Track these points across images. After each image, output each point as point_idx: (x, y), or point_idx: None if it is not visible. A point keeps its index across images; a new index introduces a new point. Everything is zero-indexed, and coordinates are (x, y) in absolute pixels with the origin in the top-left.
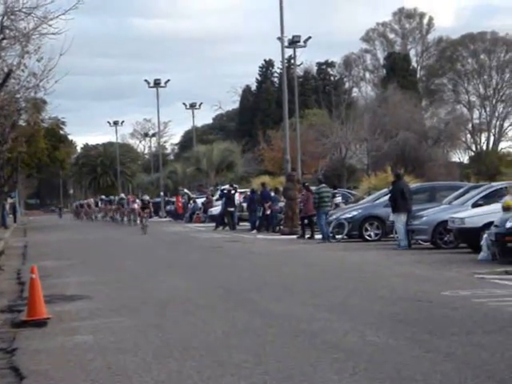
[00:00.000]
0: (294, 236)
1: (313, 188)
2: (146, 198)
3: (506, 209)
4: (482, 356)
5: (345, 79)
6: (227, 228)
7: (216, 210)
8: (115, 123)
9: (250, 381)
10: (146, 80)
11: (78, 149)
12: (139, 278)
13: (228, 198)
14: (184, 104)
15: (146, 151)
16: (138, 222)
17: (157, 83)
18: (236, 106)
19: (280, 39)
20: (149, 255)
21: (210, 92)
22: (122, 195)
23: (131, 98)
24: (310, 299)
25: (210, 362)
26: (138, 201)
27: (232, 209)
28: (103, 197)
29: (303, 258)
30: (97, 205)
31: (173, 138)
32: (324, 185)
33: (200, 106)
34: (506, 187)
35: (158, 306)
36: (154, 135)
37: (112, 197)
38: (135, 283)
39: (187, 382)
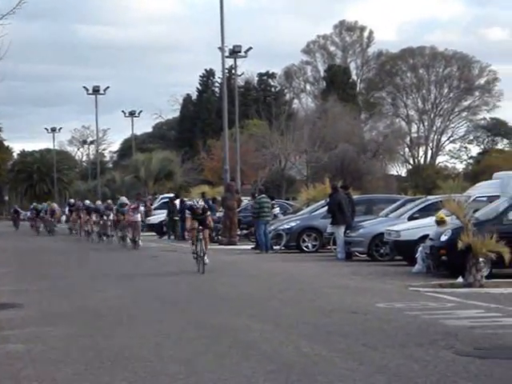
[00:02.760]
0: (232, 246)
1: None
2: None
3: (439, 223)
4: (414, 368)
5: (285, 90)
6: (172, 237)
7: (154, 219)
8: (53, 130)
9: None
10: (84, 87)
11: (15, 155)
12: (74, 286)
13: (172, 207)
14: (123, 112)
15: (84, 159)
16: (128, 240)
17: (96, 90)
18: (176, 114)
19: (221, 49)
20: (87, 264)
21: (150, 100)
22: (124, 199)
23: (70, 104)
24: (245, 310)
25: (142, 372)
26: (141, 208)
27: (177, 218)
28: (72, 201)
29: (240, 268)
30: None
31: (112, 145)
32: (264, 195)
33: (139, 114)
34: (441, 201)
35: (91, 315)
36: (92, 142)
37: (99, 202)
38: (70, 292)
39: None
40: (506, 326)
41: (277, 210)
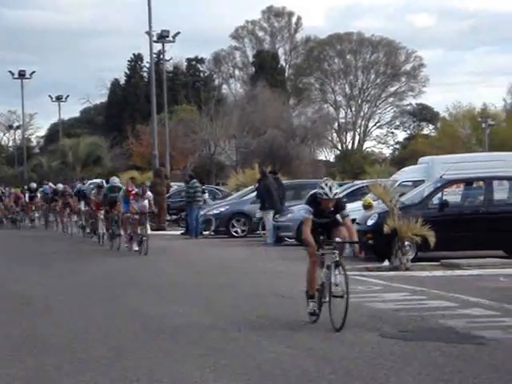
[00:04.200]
0: (162, 232)
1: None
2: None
3: (366, 207)
4: (341, 351)
5: (214, 76)
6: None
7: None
8: None
9: (109, 377)
10: (10, 71)
11: None
12: None
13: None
14: (50, 96)
15: (11, 144)
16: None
17: (21, 74)
18: (104, 99)
19: (148, 33)
20: (14, 250)
21: (78, 85)
22: (115, 180)
23: None
24: (173, 295)
25: (69, 358)
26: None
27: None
28: (34, 185)
29: (170, 254)
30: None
31: (39, 130)
32: (195, 180)
33: (66, 98)
34: (367, 185)
35: (17, 302)
36: (18, 127)
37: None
38: None
39: (45, 378)
40: (430, 308)
41: (206, 196)
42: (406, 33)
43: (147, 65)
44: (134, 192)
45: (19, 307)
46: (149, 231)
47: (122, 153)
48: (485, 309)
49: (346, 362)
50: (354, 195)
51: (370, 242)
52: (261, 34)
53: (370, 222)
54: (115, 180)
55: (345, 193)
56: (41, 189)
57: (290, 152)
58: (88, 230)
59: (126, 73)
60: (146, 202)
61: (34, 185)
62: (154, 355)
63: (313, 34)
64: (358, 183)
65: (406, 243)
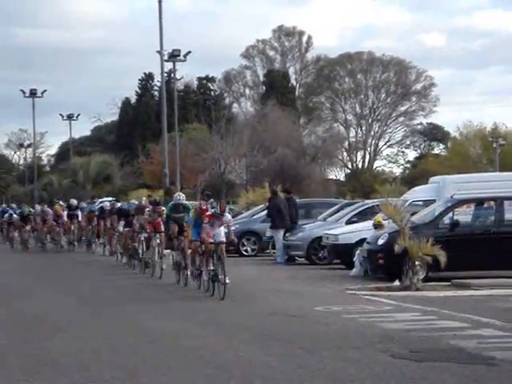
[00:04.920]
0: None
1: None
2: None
3: (376, 226)
4: (351, 371)
5: (225, 94)
6: None
7: None
8: None
9: None
10: (21, 90)
11: None
12: (12, 292)
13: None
14: (61, 115)
15: (22, 162)
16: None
17: (33, 93)
18: (115, 118)
19: (160, 53)
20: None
21: (89, 104)
22: (181, 196)
23: (7, 108)
24: (184, 315)
25: (79, 378)
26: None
27: None
28: (74, 201)
29: None
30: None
31: (49, 149)
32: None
33: (78, 117)
34: (378, 205)
35: (29, 321)
36: (29, 146)
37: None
38: (6, 298)
39: None
40: (441, 329)
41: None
42: (417, 52)
43: (158, 84)
44: (209, 213)
45: (30, 326)
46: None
47: (133, 171)
48: (496, 329)
49: (356, 382)
50: (364, 214)
51: (381, 261)
52: (271, 53)
53: (380, 242)
54: (181, 196)
55: (355, 212)
56: (84, 206)
57: (301, 171)
58: (124, 259)
59: (136, 92)
60: (223, 228)
61: (74, 201)
62: (165, 375)
63: (323, 53)
64: (369, 202)
65: (417, 263)
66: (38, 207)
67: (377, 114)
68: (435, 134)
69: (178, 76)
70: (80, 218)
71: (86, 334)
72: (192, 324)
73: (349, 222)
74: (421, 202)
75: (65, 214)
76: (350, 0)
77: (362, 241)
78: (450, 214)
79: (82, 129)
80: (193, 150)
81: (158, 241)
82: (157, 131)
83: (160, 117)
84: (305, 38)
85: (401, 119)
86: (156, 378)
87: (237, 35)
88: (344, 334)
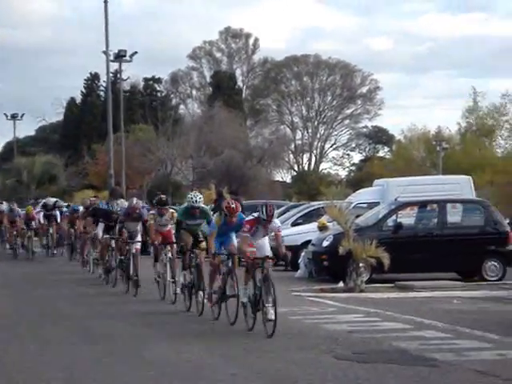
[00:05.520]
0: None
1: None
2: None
3: (321, 228)
4: (295, 372)
5: (171, 96)
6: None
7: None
8: None
9: None
10: None
11: None
12: None
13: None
14: (5, 115)
15: None
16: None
17: None
18: (60, 118)
19: (105, 53)
20: None
21: (34, 103)
22: (197, 195)
23: None
24: (132, 318)
25: (20, 379)
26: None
27: None
28: (51, 200)
29: None
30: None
31: None
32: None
33: (22, 116)
34: (323, 207)
35: None
36: None
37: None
38: None
39: None
40: (384, 330)
41: None
42: (364, 56)
43: (104, 84)
44: (250, 218)
45: None
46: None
47: (78, 172)
48: (438, 331)
49: (300, 383)
50: (309, 216)
51: (325, 263)
52: (218, 54)
53: (325, 244)
54: (197, 197)
55: (300, 214)
56: (64, 207)
57: (247, 173)
58: (102, 273)
59: (82, 92)
60: (267, 238)
61: (51, 200)
62: (105, 376)
63: (270, 55)
64: (314, 204)
65: (361, 265)
66: (4, 205)
67: (323, 116)
68: (380, 137)
69: (124, 76)
70: (59, 220)
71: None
72: (130, 325)
73: (294, 224)
74: (365, 205)
75: (41, 215)
76: (297, 3)
77: (307, 242)
78: (394, 217)
79: (27, 128)
80: (139, 151)
81: (170, 255)
82: (102, 132)
83: (106, 117)
84: (251, 40)
85: (346, 122)
86: (95, 378)
87: (184, 36)
88: (288, 336)
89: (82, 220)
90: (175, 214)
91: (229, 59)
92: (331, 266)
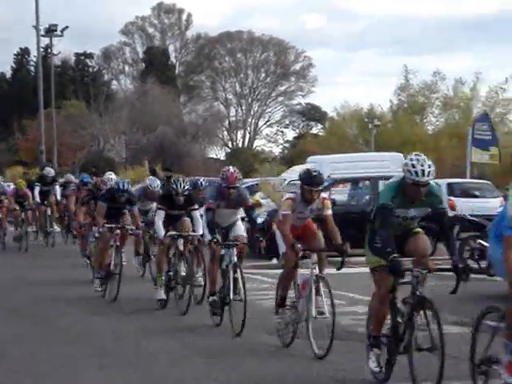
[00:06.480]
0: None
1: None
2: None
3: (255, 205)
4: (228, 348)
5: (104, 71)
6: None
7: None
8: None
9: None
10: None
11: None
12: None
13: None
14: None
15: None
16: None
17: None
18: None
19: (36, 27)
20: None
21: None
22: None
23: None
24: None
25: None
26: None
27: None
28: (51, 171)
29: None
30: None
31: None
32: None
33: None
34: (257, 184)
35: None
36: None
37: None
38: None
39: None
40: None
41: None
42: (297, 33)
43: (34, 59)
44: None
45: None
46: None
47: (8, 148)
48: None
49: (236, 359)
50: None
51: (260, 240)
52: (151, 30)
53: (259, 221)
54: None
55: None
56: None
57: (181, 149)
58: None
59: (12, 67)
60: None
61: (50, 171)
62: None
63: (203, 31)
64: (248, 181)
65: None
66: None
67: (257, 93)
68: (313, 114)
69: (55, 51)
70: (59, 197)
71: None
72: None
73: None
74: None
75: (36, 191)
76: None
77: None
78: (327, 194)
79: None
80: (70, 127)
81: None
82: (33, 107)
83: (36, 92)
84: (184, 16)
85: (280, 99)
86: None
87: (116, 11)
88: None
89: (79, 205)
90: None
91: (162, 35)
92: (265, 243)
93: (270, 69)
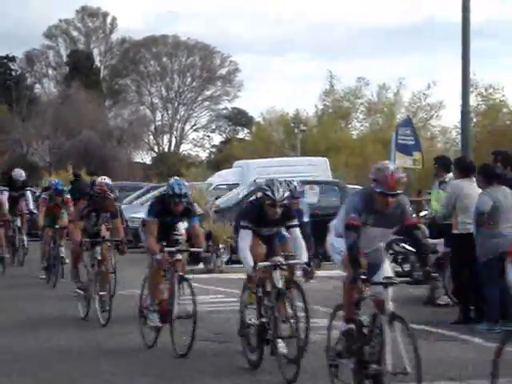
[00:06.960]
0: None
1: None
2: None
3: None
4: (148, 352)
5: (27, 75)
6: None
7: None
8: None
9: None
10: None
11: None
12: None
13: None
14: None
15: None
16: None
17: None
18: None
19: None
20: None
21: None
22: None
23: None
24: None
25: None
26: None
27: None
28: (22, 174)
29: None
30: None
31: None
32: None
33: None
34: None
35: None
36: None
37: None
38: None
39: None
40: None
41: None
42: (222, 38)
43: None
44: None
45: None
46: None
47: None
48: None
49: (159, 364)
50: None
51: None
52: (75, 33)
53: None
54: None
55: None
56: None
57: (107, 153)
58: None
59: None
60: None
61: (21, 173)
62: None
63: (128, 35)
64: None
65: (221, 246)
66: None
67: (183, 97)
68: (240, 118)
69: None
70: (31, 205)
71: None
72: None
73: None
74: (225, 186)
75: (4, 196)
76: None
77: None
78: (254, 198)
79: None
80: None
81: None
82: None
83: None
84: (109, 19)
85: (206, 103)
86: None
87: (39, 14)
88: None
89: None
90: None
91: (86, 38)
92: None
93: (195, 73)
